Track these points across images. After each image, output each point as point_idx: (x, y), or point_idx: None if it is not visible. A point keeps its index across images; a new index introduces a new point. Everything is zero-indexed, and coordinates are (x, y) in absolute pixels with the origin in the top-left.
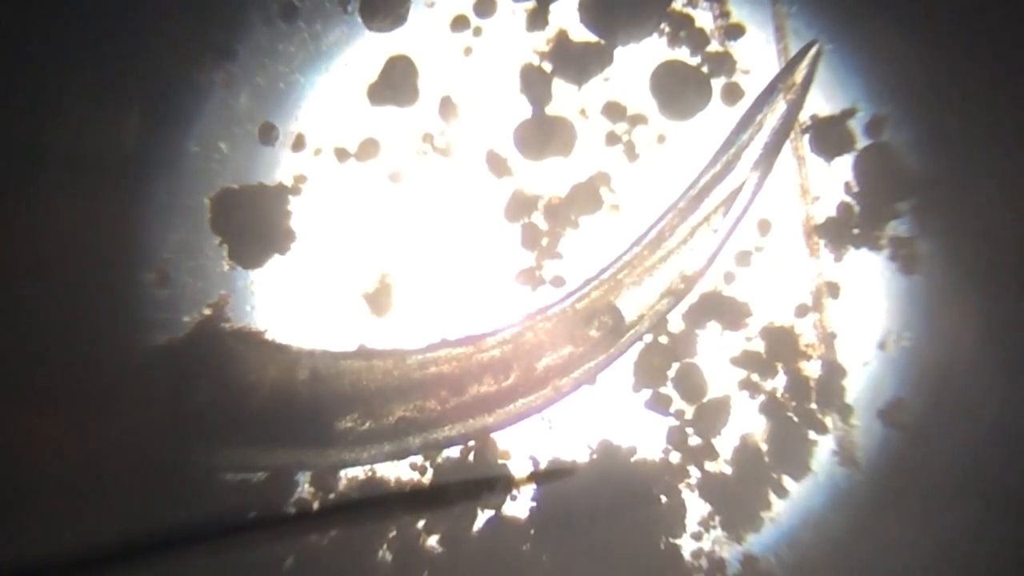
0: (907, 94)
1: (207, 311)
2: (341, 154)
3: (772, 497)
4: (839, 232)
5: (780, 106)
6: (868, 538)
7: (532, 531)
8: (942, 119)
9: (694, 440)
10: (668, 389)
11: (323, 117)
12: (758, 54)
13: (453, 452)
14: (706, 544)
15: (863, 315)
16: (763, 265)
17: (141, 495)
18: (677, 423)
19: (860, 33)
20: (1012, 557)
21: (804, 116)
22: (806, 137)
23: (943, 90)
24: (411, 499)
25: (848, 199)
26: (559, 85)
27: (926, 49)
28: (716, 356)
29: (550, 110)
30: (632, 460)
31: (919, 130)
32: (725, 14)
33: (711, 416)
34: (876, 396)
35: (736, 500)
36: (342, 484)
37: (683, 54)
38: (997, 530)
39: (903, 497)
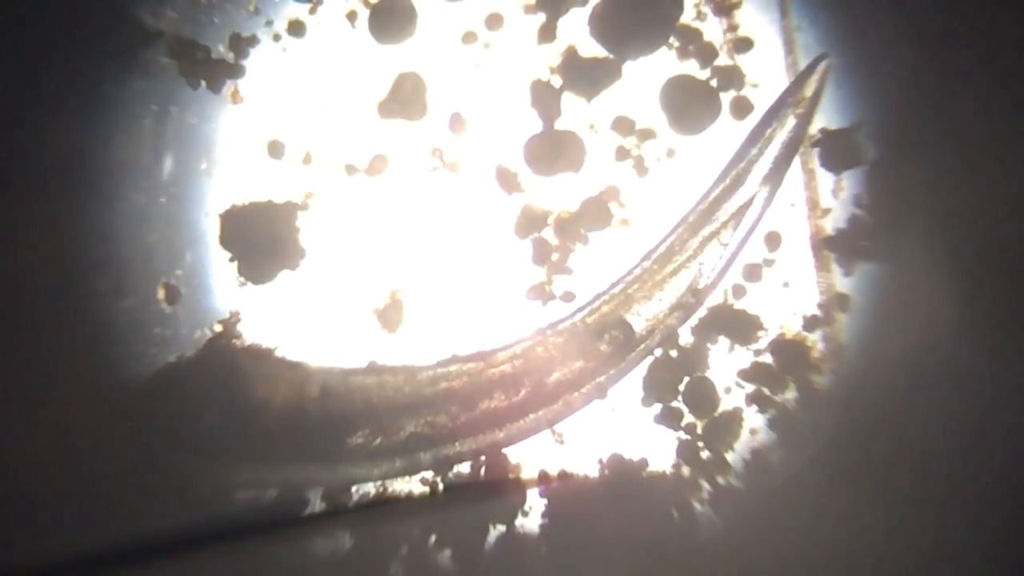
0: (912, 106)
1: (218, 328)
2: (350, 170)
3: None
4: (849, 245)
5: (790, 120)
6: (851, 535)
7: (543, 546)
8: (944, 129)
9: (705, 454)
10: (679, 403)
11: (332, 133)
12: (767, 68)
13: (464, 468)
14: (718, 558)
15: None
16: (773, 279)
17: (148, 504)
18: (688, 437)
19: (867, 47)
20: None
21: (814, 129)
22: (816, 151)
23: (946, 101)
24: (422, 506)
25: (858, 212)
26: (568, 100)
27: (929, 60)
28: (726, 370)
29: (559, 125)
30: (643, 474)
31: (921, 140)
32: (734, 28)
33: (722, 430)
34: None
35: (748, 514)
36: (353, 501)
37: (692, 68)
38: (976, 525)
39: (884, 495)
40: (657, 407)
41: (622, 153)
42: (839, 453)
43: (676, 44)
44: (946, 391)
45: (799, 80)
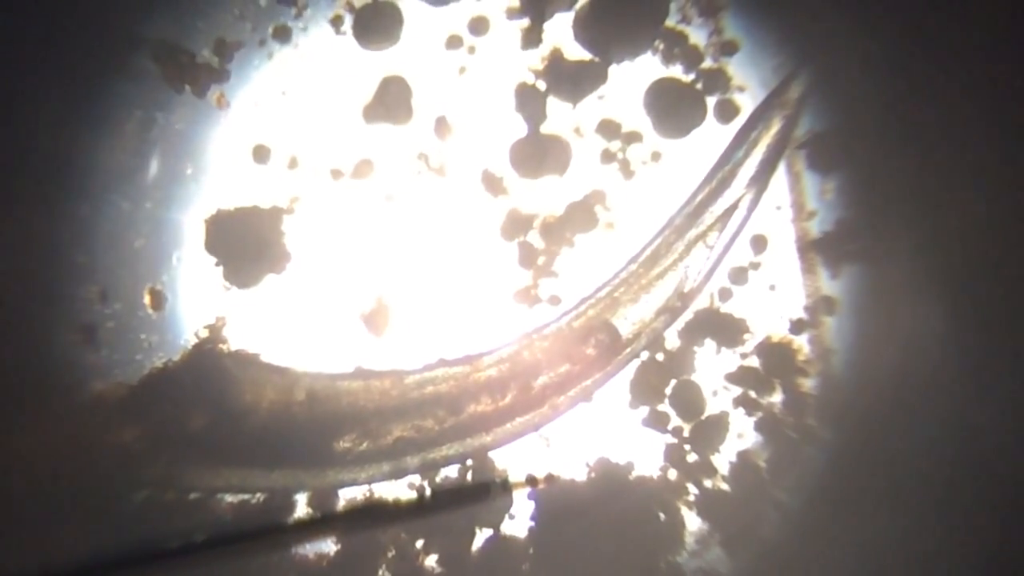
0: (897, 109)
1: (204, 333)
2: (336, 174)
3: (770, 513)
4: (835, 248)
5: (775, 122)
6: (837, 538)
7: (531, 550)
8: (930, 132)
9: (692, 457)
10: (665, 406)
11: (318, 137)
12: (753, 71)
13: (451, 471)
14: (705, 561)
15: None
16: (759, 282)
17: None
18: (675, 440)
19: (850, 52)
20: (981, 552)
21: (799, 132)
22: (802, 153)
23: (932, 104)
24: (409, 510)
25: (844, 214)
26: (554, 103)
27: (916, 65)
28: (713, 373)
29: (545, 129)
30: (630, 478)
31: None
32: (719, 31)
33: (708, 433)
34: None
35: (735, 516)
36: (340, 505)
37: (677, 71)
38: (961, 526)
39: (869, 497)
40: (644, 410)
41: (607, 156)
42: (826, 456)
43: (661, 47)
44: (933, 393)
45: (785, 83)
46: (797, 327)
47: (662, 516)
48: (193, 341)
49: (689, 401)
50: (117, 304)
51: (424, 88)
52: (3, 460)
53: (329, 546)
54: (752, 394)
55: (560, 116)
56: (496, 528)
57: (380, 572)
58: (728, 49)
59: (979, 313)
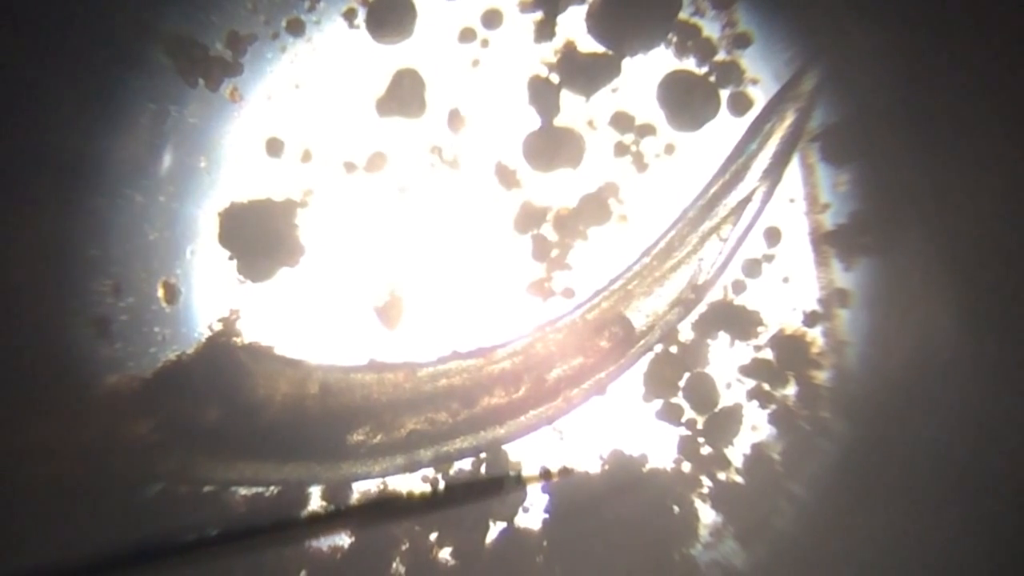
0: (910, 101)
1: (218, 326)
2: (349, 167)
3: (784, 505)
4: (849, 240)
5: (789, 115)
6: (851, 531)
7: (545, 542)
8: (943, 124)
9: (706, 450)
10: (679, 399)
11: (331, 130)
12: (766, 63)
13: (465, 464)
14: (719, 554)
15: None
16: (773, 274)
17: (147, 504)
18: (689, 433)
19: (864, 43)
20: (993, 545)
21: (813, 124)
22: (815, 145)
23: (946, 97)
24: (423, 503)
25: (858, 207)
26: (567, 96)
27: (928, 58)
28: (726, 366)
29: (558, 121)
30: (644, 470)
31: (920, 135)
32: (732, 23)
33: (722, 426)
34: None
35: (748, 509)
36: (354, 498)
37: (691, 64)
38: (975, 518)
39: (883, 489)
40: (657, 403)
41: (621, 149)
42: (840, 449)
43: (675, 40)
44: (947, 385)
45: (798, 75)
46: (811, 319)
47: (676, 509)
48: (207, 334)
49: (703, 394)
50: (131, 297)
51: (437, 81)
52: (17, 453)
53: (343, 539)
54: (766, 387)
55: (573, 109)
56: (510, 521)
57: (394, 565)
58: (741, 42)
59: (993, 305)
